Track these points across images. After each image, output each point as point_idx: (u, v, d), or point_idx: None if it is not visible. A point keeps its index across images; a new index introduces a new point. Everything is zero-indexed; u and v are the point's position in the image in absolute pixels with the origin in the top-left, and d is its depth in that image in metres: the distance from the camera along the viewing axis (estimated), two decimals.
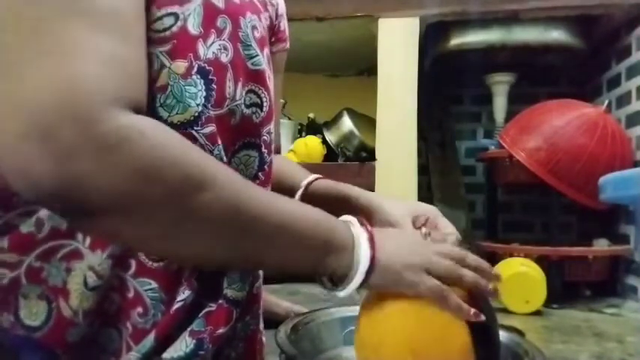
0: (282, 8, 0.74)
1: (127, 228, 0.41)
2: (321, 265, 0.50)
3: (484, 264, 0.57)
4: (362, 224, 0.53)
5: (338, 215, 0.68)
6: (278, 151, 0.83)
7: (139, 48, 0.43)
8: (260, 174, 0.56)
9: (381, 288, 0.53)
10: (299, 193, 0.73)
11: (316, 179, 0.75)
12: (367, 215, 0.68)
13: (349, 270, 0.51)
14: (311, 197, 0.73)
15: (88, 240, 0.47)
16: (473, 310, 0.53)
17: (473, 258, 0.57)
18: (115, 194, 0.38)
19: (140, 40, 0.44)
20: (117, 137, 0.37)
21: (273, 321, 0.70)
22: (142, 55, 0.44)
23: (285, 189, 0.73)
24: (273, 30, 0.72)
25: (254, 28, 0.54)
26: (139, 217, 0.40)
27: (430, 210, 0.73)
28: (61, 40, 0.38)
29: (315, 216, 0.51)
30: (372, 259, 0.51)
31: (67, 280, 0.47)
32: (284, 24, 0.75)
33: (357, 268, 0.50)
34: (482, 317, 0.53)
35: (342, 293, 0.52)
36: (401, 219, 0.70)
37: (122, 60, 0.40)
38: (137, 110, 0.40)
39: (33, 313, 0.46)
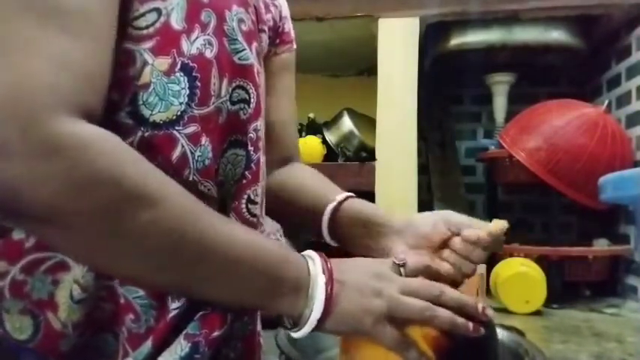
0: (286, 10, 0.73)
1: (58, 238, 0.40)
2: (271, 307, 0.48)
3: (465, 300, 0.51)
4: (323, 261, 0.49)
5: (364, 237, 0.66)
6: (297, 156, 0.78)
7: (102, 49, 0.41)
8: (247, 173, 0.54)
9: (339, 334, 0.51)
10: (329, 208, 0.67)
11: (346, 198, 0.68)
12: (400, 233, 0.64)
13: (302, 313, 0.48)
14: (341, 217, 0.67)
15: None
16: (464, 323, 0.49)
17: (451, 294, 0.51)
18: (44, 202, 0.36)
19: (104, 41, 0.42)
20: (56, 144, 0.36)
21: (273, 321, 0.70)
22: (105, 57, 0.42)
23: (309, 205, 0.69)
24: (277, 32, 0.72)
25: (241, 21, 0.52)
26: (67, 229, 0.38)
27: (463, 218, 0.66)
28: (16, 38, 0.37)
29: (270, 253, 0.47)
30: (328, 303, 0.47)
31: (54, 292, 0.45)
32: (288, 26, 0.74)
33: (309, 313, 0.47)
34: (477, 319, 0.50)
35: (296, 335, 0.49)
36: (433, 227, 0.64)
37: (78, 62, 0.39)
38: (89, 116, 0.39)
39: (17, 327, 0.45)
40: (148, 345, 0.46)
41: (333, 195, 0.68)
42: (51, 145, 0.36)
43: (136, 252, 0.41)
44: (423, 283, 0.52)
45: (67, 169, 0.36)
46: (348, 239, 0.68)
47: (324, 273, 0.48)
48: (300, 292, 0.47)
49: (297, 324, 0.49)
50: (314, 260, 0.49)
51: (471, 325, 0.49)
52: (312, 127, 1.63)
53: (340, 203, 0.67)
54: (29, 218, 0.38)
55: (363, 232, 0.66)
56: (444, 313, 0.49)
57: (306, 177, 0.74)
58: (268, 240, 0.49)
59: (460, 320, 0.49)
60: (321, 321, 0.47)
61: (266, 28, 0.64)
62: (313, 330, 0.48)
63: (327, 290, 0.47)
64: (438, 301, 0.50)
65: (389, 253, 0.64)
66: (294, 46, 0.76)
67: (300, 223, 0.73)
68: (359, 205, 0.68)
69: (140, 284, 0.46)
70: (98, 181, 0.38)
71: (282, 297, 0.47)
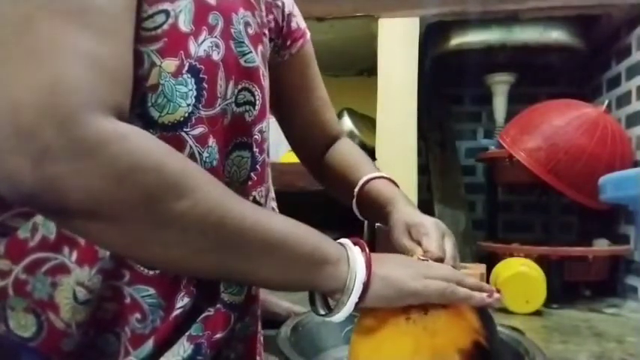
0: (289, 6, 0.72)
1: (102, 232, 0.40)
2: (316, 281, 0.48)
3: (483, 284, 0.55)
4: (355, 243, 0.51)
5: (379, 218, 0.70)
6: (342, 132, 0.84)
7: (126, 48, 0.42)
8: (252, 174, 0.55)
9: (385, 302, 0.50)
10: (357, 187, 0.72)
11: (373, 179, 0.72)
12: (405, 223, 0.65)
13: (346, 281, 0.48)
14: (364, 197, 0.72)
15: (74, 254, 0.46)
16: (485, 295, 0.52)
17: (471, 280, 0.54)
18: (90, 198, 0.37)
19: (127, 40, 0.43)
20: (95, 140, 0.37)
21: (274, 321, 0.70)
22: (129, 55, 0.43)
23: (345, 184, 0.74)
24: (282, 33, 0.71)
25: (247, 24, 0.53)
26: (114, 221, 0.39)
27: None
28: (45, 39, 0.37)
29: (307, 229, 0.48)
30: (369, 268, 0.48)
31: (53, 294, 0.46)
32: (295, 21, 0.74)
33: (354, 278, 0.47)
34: (498, 296, 0.53)
35: (338, 316, 0.49)
36: (431, 227, 0.63)
37: (106, 61, 0.40)
38: (119, 113, 0.40)
39: (21, 325, 0.46)
40: (149, 345, 0.46)
41: (364, 173, 0.73)
42: (93, 142, 0.37)
43: (180, 238, 0.41)
44: (448, 268, 0.56)
45: (111, 163, 0.37)
46: (371, 218, 0.75)
47: (359, 247, 0.51)
48: (342, 260, 0.48)
49: (337, 299, 0.49)
50: (345, 243, 0.51)
51: (485, 295, 0.52)
52: None
53: (366, 183, 0.71)
54: (75, 215, 0.38)
55: (380, 214, 0.70)
56: (463, 289, 0.52)
57: (345, 155, 0.79)
58: (299, 223, 0.49)
59: (477, 294, 0.52)
60: (366, 286, 0.48)
61: (266, 31, 0.64)
62: (357, 303, 0.48)
63: (365, 255, 0.49)
64: (461, 284, 0.52)
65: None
66: (308, 36, 0.76)
67: (344, 200, 0.77)
68: (381, 186, 0.71)
69: (187, 271, 0.46)
70: (141, 171, 0.38)
71: (327, 268, 0.47)
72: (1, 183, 0.37)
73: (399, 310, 0.50)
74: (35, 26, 0.38)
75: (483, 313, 0.54)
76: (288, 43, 0.72)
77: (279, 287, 0.50)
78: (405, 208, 0.66)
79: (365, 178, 0.71)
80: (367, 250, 0.50)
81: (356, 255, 0.49)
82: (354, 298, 0.48)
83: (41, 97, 0.36)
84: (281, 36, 0.71)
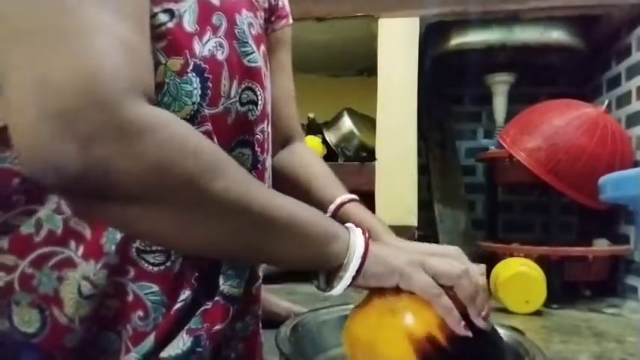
0: None
1: (141, 215, 0.40)
2: (325, 258, 0.50)
3: (473, 300, 0.51)
4: (357, 226, 0.54)
5: None
6: (300, 135, 0.80)
7: (148, 39, 0.43)
8: (253, 173, 0.55)
9: (375, 279, 0.51)
10: (331, 209, 0.69)
11: (348, 201, 0.69)
12: None
13: (344, 258, 0.50)
14: (341, 219, 0.67)
15: (81, 249, 0.46)
16: (463, 322, 0.49)
17: (468, 284, 0.52)
18: (137, 181, 0.38)
19: (148, 32, 0.43)
20: (143, 125, 0.37)
21: (274, 321, 0.70)
22: (150, 46, 0.43)
23: (312, 202, 0.67)
24: (272, 9, 0.72)
25: (250, 25, 0.54)
26: (154, 204, 0.40)
27: (447, 250, 0.65)
28: (81, 21, 0.37)
29: (313, 210, 0.51)
30: (366, 246, 0.51)
31: (59, 289, 0.46)
32: (282, 1, 0.74)
33: (352, 255, 0.50)
34: (469, 333, 0.49)
35: (336, 289, 0.52)
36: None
37: (136, 48, 0.40)
38: (150, 100, 0.40)
39: (25, 320, 0.46)
40: (150, 340, 0.47)
41: (336, 194, 0.70)
42: (141, 126, 0.37)
43: (213, 220, 0.43)
44: (453, 260, 0.54)
45: (158, 147, 0.38)
46: None
47: (359, 228, 0.53)
48: (342, 239, 0.51)
49: (336, 274, 0.51)
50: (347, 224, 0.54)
51: (462, 326, 0.49)
52: (312, 127, 1.64)
53: (340, 206, 0.68)
54: (117, 199, 0.39)
55: None
56: (468, 283, 0.51)
57: (311, 167, 0.74)
58: (304, 203, 0.51)
59: (455, 316, 0.49)
60: (362, 263, 0.50)
61: (262, 13, 0.64)
62: (354, 278, 0.50)
63: (364, 235, 0.52)
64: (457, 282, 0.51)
65: None
66: (290, 21, 0.76)
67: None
68: (360, 212, 0.69)
69: (218, 252, 0.47)
70: (183, 155, 0.39)
71: (334, 245, 0.50)
72: (45, 169, 0.36)
73: (384, 290, 0.53)
74: (71, 8, 0.37)
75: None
76: (273, 18, 0.73)
77: (295, 264, 0.52)
78: (390, 239, 0.66)
79: (338, 201, 0.69)
80: (367, 233, 0.53)
81: (357, 235, 0.52)
82: (350, 272, 0.50)
83: (84, 80, 0.36)
84: (271, 12, 0.72)
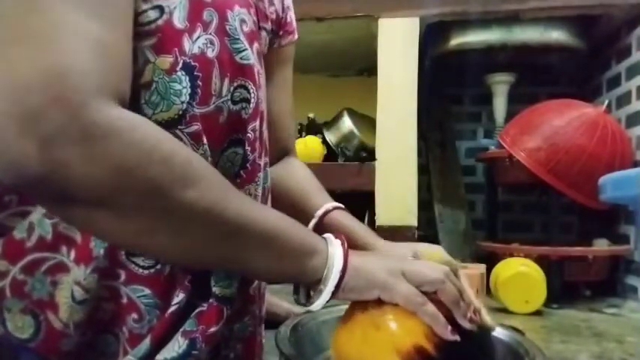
0: (289, 0, 0.73)
1: (105, 220, 0.39)
2: (302, 272, 0.49)
3: (457, 303, 0.51)
4: (336, 237, 0.52)
5: None
6: (293, 149, 0.80)
7: (126, 39, 0.42)
8: (242, 172, 0.54)
9: (355, 293, 0.51)
10: (313, 222, 0.70)
11: (333, 209, 0.71)
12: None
13: (323, 272, 0.49)
14: (325, 228, 0.69)
15: (72, 253, 0.46)
16: (449, 327, 0.48)
17: (450, 288, 0.51)
18: (99, 185, 0.37)
19: (127, 32, 0.42)
20: (108, 127, 0.36)
21: (273, 321, 0.70)
22: (129, 47, 0.42)
23: (297, 212, 0.68)
24: (280, 23, 0.71)
25: (242, 21, 0.52)
26: (120, 211, 0.39)
27: (432, 248, 0.68)
28: (53, 21, 0.37)
29: (292, 222, 0.50)
30: (345, 259, 0.50)
31: (54, 293, 0.45)
32: (291, 16, 0.74)
33: (332, 269, 0.49)
34: (457, 337, 0.49)
35: (316, 304, 0.51)
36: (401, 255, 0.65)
37: (113, 50, 0.39)
38: (122, 102, 0.39)
39: (19, 327, 0.46)
40: (146, 343, 0.46)
41: (322, 203, 0.71)
42: (105, 129, 0.36)
43: (184, 229, 0.42)
44: (434, 263, 0.54)
45: (122, 151, 0.37)
46: None
47: (339, 240, 0.52)
48: (324, 252, 0.50)
49: (316, 289, 0.50)
50: (326, 237, 0.53)
51: (449, 331, 0.49)
52: (312, 127, 1.64)
53: (326, 214, 0.70)
54: (79, 203, 0.38)
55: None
56: (452, 287, 0.50)
57: (298, 178, 0.75)
58: (287, 216, 0.50)
59: (441, 322, 0.49)
60: (342, 277, 0.49)
61: (268, 24, 0.64)
62: (333, 292, 0.49)
63: (343, 247, 0.51)
64: (448, 278, 0.51)
65: None
66: (296, 37, 0.76)
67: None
68: (344, 219, 0.70)
69: (189, 262, 0.47)
70: (150, 161, 0.38)
71: (312, 259, 0.49)
72: (6, 168, 0.36)
73: (367, 303, 0.51)
74: (41, 7, 0.37)
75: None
76: (281, 33, 0.72)
77: (271, 278, 0.51)
78: (374, 242, 0.68)
79: (323, 209, 0.70)
80: (346, 244, 0.52)
81: (335, 247, 0.51)
82: (329, 287, 0.49)
83: (50, 79, 0.35)
84: (279, 26, 0.72)
